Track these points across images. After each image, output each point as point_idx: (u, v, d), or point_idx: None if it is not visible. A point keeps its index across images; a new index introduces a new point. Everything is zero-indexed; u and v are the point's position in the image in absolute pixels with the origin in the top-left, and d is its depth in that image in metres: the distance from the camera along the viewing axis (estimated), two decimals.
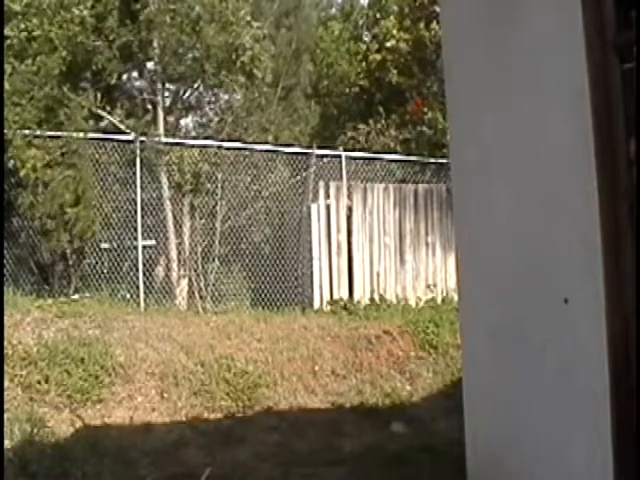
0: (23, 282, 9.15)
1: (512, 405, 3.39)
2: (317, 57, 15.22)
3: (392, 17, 13.90)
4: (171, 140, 10.19)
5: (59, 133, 9.17)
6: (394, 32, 13.32)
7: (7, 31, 9.08)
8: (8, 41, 9.05)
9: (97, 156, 9.45)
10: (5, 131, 8.76)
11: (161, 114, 10.69)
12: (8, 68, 8.88)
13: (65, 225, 9.10)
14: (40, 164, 8.91)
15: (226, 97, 11.91)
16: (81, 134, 9.19)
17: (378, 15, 15.00)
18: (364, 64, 14.51)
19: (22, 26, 9.21)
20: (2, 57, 8.19)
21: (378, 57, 14.03)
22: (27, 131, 8.95)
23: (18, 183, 9.41)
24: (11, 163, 9.76)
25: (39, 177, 8.92)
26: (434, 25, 12.32)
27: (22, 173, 8.87)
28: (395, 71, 13.61)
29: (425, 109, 12.92)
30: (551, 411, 3.13)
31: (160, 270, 10.04)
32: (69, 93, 9.39)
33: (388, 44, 13.45)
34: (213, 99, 12.17)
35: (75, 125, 9.17)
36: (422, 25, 12.95)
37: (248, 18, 10.35)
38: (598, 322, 2.86)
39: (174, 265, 9.95)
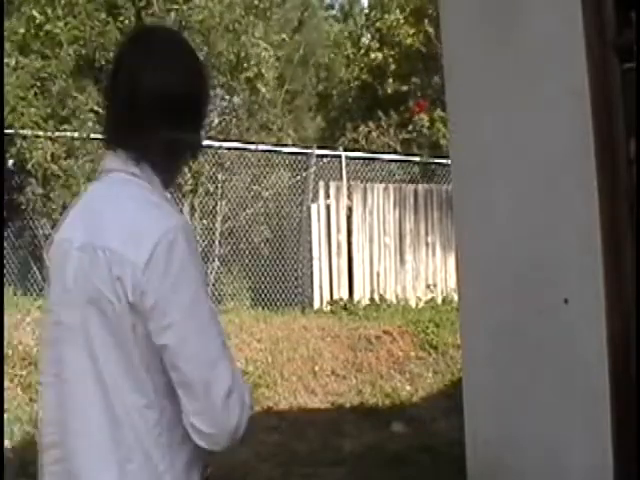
0: (24, 282, 9.15)
1: (512, 405, 3.39)
2: (318, 59, 15.23)
3: (397, 10, 13.80)
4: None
5: (65, 133, 9.16)
6: (400, 28, 13.25)
7: (12, 24, 9.09)
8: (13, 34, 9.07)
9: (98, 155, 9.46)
10: (8, 128, 8.77)
11: None
12: (12, 62, 8.89)
13: None
14: (49, 156, 8.92)
15: (227, 98, 11.92)
16: (85, 134, 9.20)
17: (379, 15, 14.96)
18: (365, 61, 14.46)
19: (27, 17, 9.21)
20: (2, 57, 8.19)
21: (380, 55, 13.99)
22: (33, 127, 8.95)
23: (21, 182, 9.41)
24: (11, 162, 9.76)
25: (46, 170, 8.93)
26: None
27: (30, 164, 8.87)
28: (396, 69, 13.57)
29: (424, 111, 12.89)
30: (551, 411, 3.13)
31: None
32: (74, 91, 9.40)
33: (393, 35, 13.34)
34: (215, 100, 12.17)
35: (82, 123, 9.19)
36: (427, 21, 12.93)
37: (257, 34, 10.37)
38: (598, 322, 2.86)
39: None
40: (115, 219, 1.45)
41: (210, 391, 1.38)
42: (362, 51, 14.86)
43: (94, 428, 1.42)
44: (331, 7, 17.68)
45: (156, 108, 1.48)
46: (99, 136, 9.41)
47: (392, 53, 13.58)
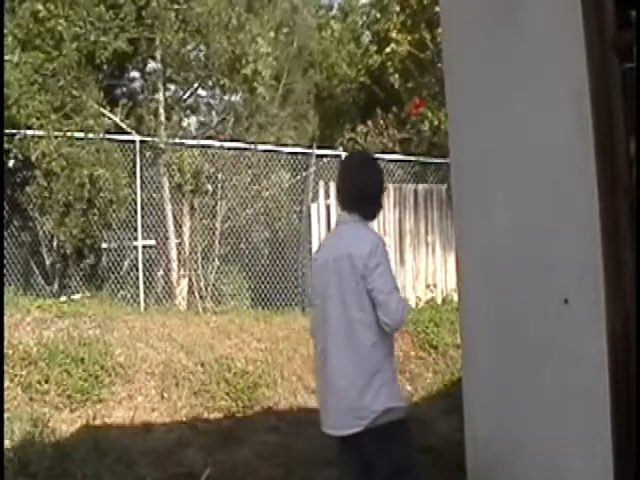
0: (23, 282, 9.15)
1: (512, 405, 3.39)
2: (316, 58, 15.20)
3: (394, 16, 13.79)
4: (172, 140, 10.17)
5: (69, 134, 9.17)
6: (394, 35, 13.22)
7: (14, 20, 9.09)
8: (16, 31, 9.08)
9: (98, 155, 9.45)
10: (13, 126, 8.78)
11: (162, 114, 10.68)
12: (14, 58, 8.90)
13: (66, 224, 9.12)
14: (53, 147, 8.94)
15: (227, 98, 11.93)
16: (90, 134, 9.21)
17: (379, 15, 14.92)
18: (364, 63, 14.43)
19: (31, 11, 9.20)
20: (2, 57, 8.19)
21: (378, 59, 13.96)
22: (39, 118, 8.96)
23: (22, 179, 9.42)
24: (11, 162, 9.77)
25: (50, 163, 8.94)
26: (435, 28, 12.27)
27: (34, 157, 8.88)
28: (395, 74, 13.54)
29: (423, 109, 12.86)
30: (551, 411, 3.13)
31: (160, 270, 10.04)
32: (76, 88, 9.40)
33: (387, 49, 13.36)
34: (214, 100, 12.18)
35: (85, 122, 9.19)
36: (423, 26, 12.88)
37: (254, 32, 10.36)
38: (598, 322, 2.86)
39: (174, 265, 9.95)
40: (352, 240, 3.26)
41: (389, 305, 3.16)
42: (364, 47, 14.82)
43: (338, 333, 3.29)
44: (330, 8, 17.67)
45: (365, 195, 3.34)
46: (99, 135, 9.46)
47: (390, 57, 13.52)
